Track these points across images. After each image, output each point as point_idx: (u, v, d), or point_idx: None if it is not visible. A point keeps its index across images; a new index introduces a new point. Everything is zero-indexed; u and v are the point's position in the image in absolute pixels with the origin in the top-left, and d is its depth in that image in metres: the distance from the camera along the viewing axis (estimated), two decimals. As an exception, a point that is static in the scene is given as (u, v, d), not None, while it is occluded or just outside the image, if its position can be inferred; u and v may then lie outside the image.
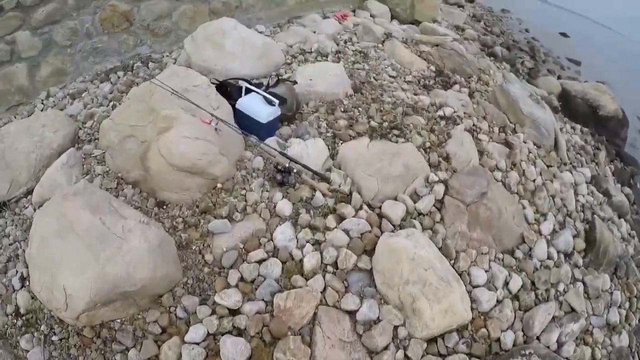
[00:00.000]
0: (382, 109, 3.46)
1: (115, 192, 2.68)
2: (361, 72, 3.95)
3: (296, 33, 4.55)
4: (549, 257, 3.02)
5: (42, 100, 3.73)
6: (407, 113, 3.49)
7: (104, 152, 2.89)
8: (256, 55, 3.78)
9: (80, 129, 3.29)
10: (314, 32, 4.68)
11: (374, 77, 3.94)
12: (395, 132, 3.25)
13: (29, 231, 2.48)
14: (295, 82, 3.33)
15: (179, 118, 2.62)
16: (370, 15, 5.41)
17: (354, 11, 5.47)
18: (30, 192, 2.87)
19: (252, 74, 3.70)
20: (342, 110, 3.36)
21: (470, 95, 4.25)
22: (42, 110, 3.63)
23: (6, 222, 2.81)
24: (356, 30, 4.83)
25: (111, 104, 3.49)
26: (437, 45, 4.94)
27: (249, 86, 3.05)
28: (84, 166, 2.88)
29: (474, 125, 3.71)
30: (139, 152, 2.67)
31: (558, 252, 3.11)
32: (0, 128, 3.21)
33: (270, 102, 2.95)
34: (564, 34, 7.72)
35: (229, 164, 2.64)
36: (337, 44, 4.44)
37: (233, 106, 3.01)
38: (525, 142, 3.85)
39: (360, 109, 3.38)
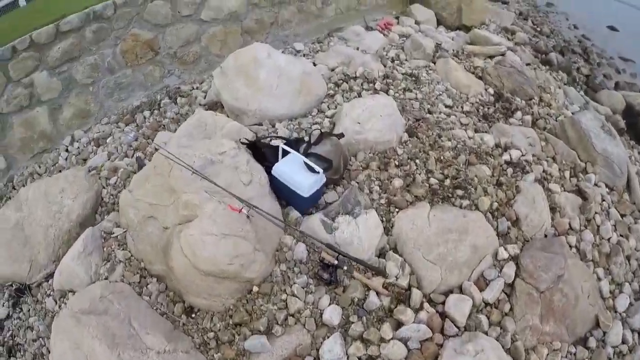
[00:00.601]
0: (442, 157, 2.77)
1: (139, 287, 2.18)
2: (414, 104, 3.24)
3: (338, 52, 3.82)
4: (624, 341, 2.46)
5: (67, 146, 3.21)
6: (471, 162, 2.80)
7: (125, 232, 2.37)
8: (295, 88, 3.10)
9: (103, 187, 2.76)
10: (357, 49, 3.93)
11: (428, 109, 3.24)
12: (459, 192, 2.59)
13: (51, 327, 2.05)
14: (341, 136, 2.67)
15: (203, 207, 2.04)
16: (415, 22, 4.58)
17: (397, 18, 4.63)
18: (51, 275, 2.41)
19: (291, 112, 3.06)
20: (397, 163, 2.68)
21: (534, 122, 3.53)
22: (66, 160, 3.12)
23: (29, 310, 2.38)
24: (403, 45, 4.04)
25: (136, 154, 2.94)
26: (491, 57, 4.13)
27: (286, 148, 2.42)
28: (104, 249, 2.37)
29: (544, 171, 3.03)
30: (161, 240, 2.13)
31: (632, 331, 2.54)
32: (18, 192, 2.72)
33: (312, 169, 2.32)
34: (612, 28, 6.60)
35: (266, 260, 2.07)
36: (384, 65, 3.69)
37: (269, 169, 2.41)
38: (597, 185, 3.17)
39: (417, 160, 2.70)
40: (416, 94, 3.37)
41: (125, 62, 3.34)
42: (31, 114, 3.09)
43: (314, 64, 3.74)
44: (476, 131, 3.17)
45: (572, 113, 3.85)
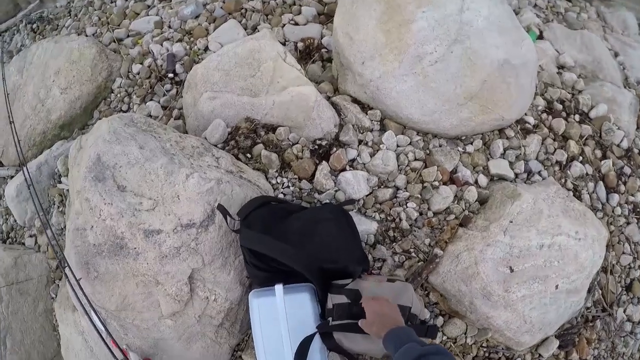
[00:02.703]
0: None
1: (52, 275, 1.47)
2: (625, 255, 1.42)
3: (587, 45, 1.74)
4: None
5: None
6: None
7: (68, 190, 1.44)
8: (468, 87, 1.26)
9: (120, 77, 1.68)
10: (616, 57, 1.80)
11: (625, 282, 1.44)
12: None
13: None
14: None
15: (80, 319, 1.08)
16: None
17: None
18: (12, 177, 1.67)
19: (431, 124, 1.33)
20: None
21: None
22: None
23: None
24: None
25: (185, 40, 1.67)
26: None
27: (279, 291, 0.97)
28: (49, 195, 1.52)
29: None
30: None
31: None
32: (29, 48, 1.76)
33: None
34: None
35: None
36: (638, 125, 1.64)
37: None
38: None
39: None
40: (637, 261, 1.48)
41: None
42: None
43: (541, 33, 1.75)
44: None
45: None
